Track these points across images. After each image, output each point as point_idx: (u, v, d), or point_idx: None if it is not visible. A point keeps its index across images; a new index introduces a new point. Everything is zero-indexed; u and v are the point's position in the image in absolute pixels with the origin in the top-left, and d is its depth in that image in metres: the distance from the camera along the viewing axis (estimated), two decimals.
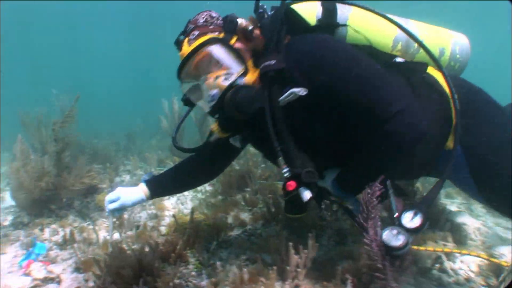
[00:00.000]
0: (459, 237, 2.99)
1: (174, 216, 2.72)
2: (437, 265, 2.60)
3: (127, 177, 5.05)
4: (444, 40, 1.96)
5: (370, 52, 1.76)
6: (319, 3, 1.79)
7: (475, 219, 3.33)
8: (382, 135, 1.51)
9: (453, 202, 4.33)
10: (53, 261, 2.55)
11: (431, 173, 2.00)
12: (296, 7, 1.79)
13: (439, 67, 1.69)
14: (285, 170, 1.62)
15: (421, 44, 1.74)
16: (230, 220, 3.22)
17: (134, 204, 2.21)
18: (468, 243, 2.95)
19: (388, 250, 1.48)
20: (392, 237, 1.48)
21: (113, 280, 1.74)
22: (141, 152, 6.21)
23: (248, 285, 1.78)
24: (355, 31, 1.77)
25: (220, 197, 3.80)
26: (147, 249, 2.03)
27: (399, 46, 1.82)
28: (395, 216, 1.54)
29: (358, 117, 1.57)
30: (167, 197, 4.10)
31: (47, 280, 2.27)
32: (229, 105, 1.59)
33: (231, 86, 1.62)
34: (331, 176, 1.78)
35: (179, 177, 2.33)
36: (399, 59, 1.83)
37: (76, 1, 15.25)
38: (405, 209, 1.53)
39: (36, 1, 15.06)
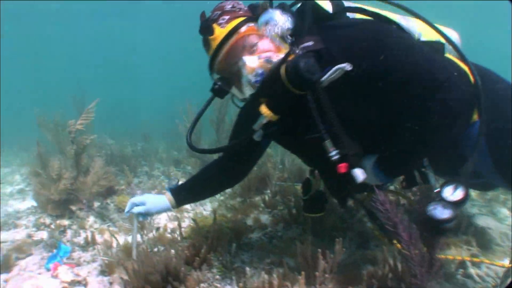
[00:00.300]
0: (484, 241, 2.92)
1: (194, 220, 2.72)
2: (461, 270, 2.56)
3: (144, 178, 5.08)
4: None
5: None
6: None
7: (499, 223, 3.26)
8: (434, 104, 1.52)
9: (473, 204, 4.25)
10: (78, 264, 2.58)
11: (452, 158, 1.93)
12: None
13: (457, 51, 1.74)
14: (333, 153, 1.61)
15: (441, 32, 1.75)
16: (249, 222, 3.23)
17: (158, 212, 2.23)
18: (494, 248, 2.88)
19: (436, 224, 1.52)
20: (438, 211, 1.52)
21: (142, 286, 1.75)
22: (157, 153, 6.24)
23: None
24: None
25: (238, 199, 3.80)
26: (172, 253, 2.04)
27: None
28: (436, 191, 1.59)
29: (407, 89, 1.55)
30: None
31: (74, 283, 2.29)
32: (291, 74, 1.48)
33: (285, 59, 1.54)
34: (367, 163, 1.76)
35: (205, 183, 2.31)
36: (423, 38, 1.86)
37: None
38: (444, 184, 1.57)
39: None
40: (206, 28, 1.66)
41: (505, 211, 4.03)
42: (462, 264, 2.60)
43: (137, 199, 2.16)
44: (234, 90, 1.79)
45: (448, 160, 1.93)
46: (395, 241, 2.13)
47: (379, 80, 1.57)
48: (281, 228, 3.07)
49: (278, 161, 4.69)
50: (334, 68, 1.52)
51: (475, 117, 1.73)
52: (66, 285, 2.26)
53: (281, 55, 1.57)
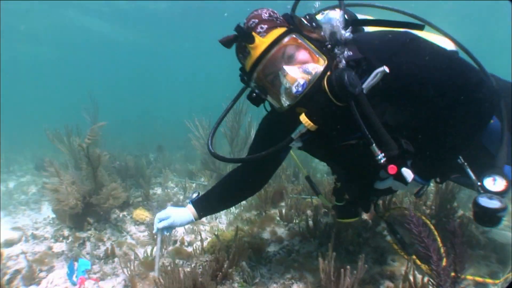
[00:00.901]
0: (503, 257, 2.91)
1: (216, 235, 2.75)
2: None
3: (158, 190, 5.13)
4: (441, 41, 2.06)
5: None
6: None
7: None
8: (470, 102, 1.63)
9: None
10: (101, 278, 2.62)
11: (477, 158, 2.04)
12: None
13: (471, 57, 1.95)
14: (380, 156, 1.64)
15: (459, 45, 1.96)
16: (266, 235, 3.25)
17: (182, 225, 2.27)
18: None
19: (489, 214, 1.63)
20: (488, 202, 1.63)
21: None
22: (170, 164, 6.30)
23: None
24: None
25: (254, 211, 3.82)
26: (198, 268, 2.07)
27: None
28: (478, 184, 1.71)
29: (442, 91, 1.65)
30: None
31: None
32: (334, 88, 1.54)
33: (324, 74, 1.59)
34: (387, 177, 1.81)
35: (225, 194, 2.35)
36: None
37: None
38: (483, 176, 1.72)
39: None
40: (246, 36, 1.63)
41: None
42: (483, 285, 2.60)
43: (162, 213, 2.20)
44: (269, 98, 1.82)
45: (475, 154, 2.00)
46: (414, 257, 2.28)
47: (415, 83, 1.65)
48: (297, 242, 3.08)
49: (291, 174, 4.72)
50: (374, 73, 1.59)
51: None
52: None
53: (320, 67, 1.61)
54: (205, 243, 2.98)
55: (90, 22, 18.84)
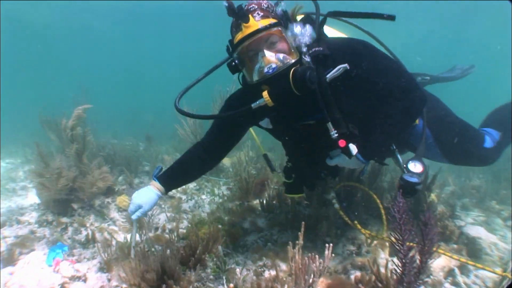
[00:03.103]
0: (474, 251, 3.00)
1: (191, 224, 2.80)
2: (450, 279, 2.63)
3: (145, 179, 5.17)
4: None
5: None
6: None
7: (491, 233, 3.32)
8: (406, 101, 2.11)
9: (468, 214, 4.32)
10: (78, 260, 2.67)
11: (403, 147, 2.74)
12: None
13: None
14: (333, 132, 2.04)
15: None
16: (246, 225, 3.30)
17: (153, 205, 2.34)
18: (484, 258, 2.95)
19: (411, 187, 2.11)
20: (410, 178, 2.14)
21: (138, 283, 1.83)
22: (159, 154, 6.33)
23: None
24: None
25: (237, 202, 3.87)
26: (168, 253, 2.12)
27: None
28: (404, 166, 2.24)
29: (387, 90, 2.09)
30: (185, 201, 4.20)
31: (74, 278, 2.38)
32: (296, 80, 1.86)
33: (294, 64, 1.95)
34: (337, 155, 2.25)
35: (189, 165, 2.50)
36: None
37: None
38: (407, 162, 2.24)
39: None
40: (243, 15, 1.92)
41: (499, 221, 4.10)
42: (451, 272, 2.68)
43: (132, 206, 2.27)
44: (244, 70, 2.11)
45: (401, 144, 2.65)
46: (355, 222, 2.72)
47: (369, 81, 2.07)
48: (276, 231, 3.14)
49: (277, 166, 4.76)
50: (337, 68, 2.00)
51: None
52: (66, 280, 2.35)
53: (292, 60, 1.96)
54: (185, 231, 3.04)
55: (88, 18, 18.75)
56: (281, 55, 1.95)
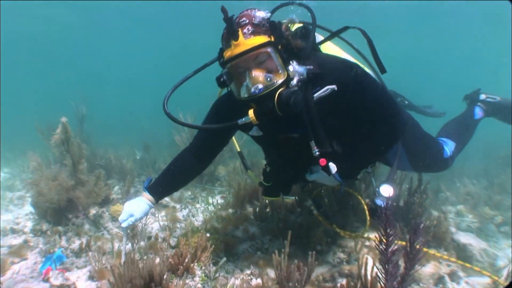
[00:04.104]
0: (464, 257, 3.01)
1: (183, 234, 2.82)
2: (440, 286, 2.64)
3: (141, 188, 5.18)
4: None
5: None
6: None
7: (482, 240, 3.33)
8: (388, 126, 2.21)
9: (463, 220, 4.33)
10: (69, 269, 2.69)
11: (382, 161, 2.85)
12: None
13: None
14: (315, 150, 2.10)
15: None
16: (239, 233, 3.32)
17: (145, 214, 2.40)
18: (474, 264, 2.96)
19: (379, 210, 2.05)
20: (381, 203, 2.24)
21: None
22: (156, 163, 6.36)
23: None
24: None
25: (231, 210, 3.89)
26: (157, 261, 2.14)
27: None
28: (377, 189, 2.35)
29: (371, 114, 2.16)
30: (179, 210, 4.23)
31: (63, 286, 2.41)
32: (281, 103, 1.88)
33: (281, 86, 1.94)
34: (317, 171, 2.29)
35: (177, 173, 2.55)
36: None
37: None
38: (379, 184, 2.35)
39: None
40: (233, 32, 1.90)
41: (492, 227, 4.11)
42: (440, 280, 2.69)
43: (123, 215, 2.31)
44: (232, 86, 2.10)
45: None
46: (334, 225, 2.85)
47: (355, 105, 2.11)
48: (267, 240, 3.16)
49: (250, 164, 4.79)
50: (325, 88, 2.02)
51: None
52: None
53: (280, 80, 1.94)
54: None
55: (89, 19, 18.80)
56: (268, 76, 1.93)
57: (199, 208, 4.33)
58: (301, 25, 2.36)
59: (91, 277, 2.56)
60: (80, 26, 19.67)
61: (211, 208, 4.24)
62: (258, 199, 3.88)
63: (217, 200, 4.50)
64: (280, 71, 1.96)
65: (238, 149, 3.03)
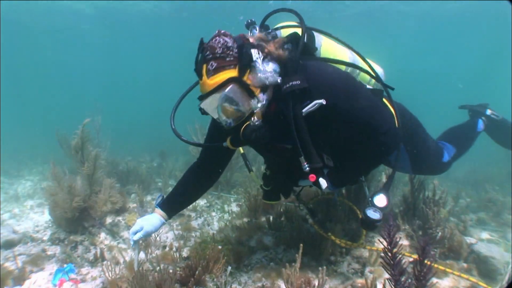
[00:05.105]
0: (486, 271, 2.88)
1: (195, 243, 2.81)
2: None
3: (157, 195, 5.23)
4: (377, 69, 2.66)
5: None
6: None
7: (506, 252, 3.18)
8: (377, 143, 2.14)
9: (484, 228, 4.19)
10: (83, 280, 2.72)
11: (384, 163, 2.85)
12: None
13: (386, 91, 2.43)
14: (305, 165, 2.09)
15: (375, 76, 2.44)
16: (253, 243, 3.29)
17: (156, 230, 2.43)
18: (498, 279, 2.82)
19: (370, 222, 2.13)
20: (372, 214, 2.14)
21: None
22: (172, 171, 6.41)
23: None
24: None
25: (245, 219, 3.87)
26: (168, 273, 2.14)
27: (348, 70, 2.42)
28: (369, 199, 2.23)
29: (361, 129, 2.12)
30: (194, 219, 4.24)
31: None
32: (246, 136, 1.95)
33: (246, 120, 1.97)
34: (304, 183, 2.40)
35: (187, 189, 2.59)
36: (368, 86, 2.53)
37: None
38: (374, 193, 2.25)
39: None
40: (197, 71, 1.94)
41: None
42: None
43: (135, 227, 2.34)
44: (214, 114, 2.07)
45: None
46: (329, 234, 2.80)
47: (344, 119, 2.08)
48: (281, 250, 3.12)
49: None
50: (313, 102, 1.97)
51: None
52: None
53: (247, 112, 1.96)
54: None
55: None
56: (238, 108, 1.93)
57: (214, 216, 4.33)
58: (295, 30, 2.25)
59: None
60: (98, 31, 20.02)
61: (226, 216, 4.23)
62: (273, 208, 3.85)
63: (232, 209, 4.49)
64: (245, 104, 1.94)
65: (242, 151, 3.02)
